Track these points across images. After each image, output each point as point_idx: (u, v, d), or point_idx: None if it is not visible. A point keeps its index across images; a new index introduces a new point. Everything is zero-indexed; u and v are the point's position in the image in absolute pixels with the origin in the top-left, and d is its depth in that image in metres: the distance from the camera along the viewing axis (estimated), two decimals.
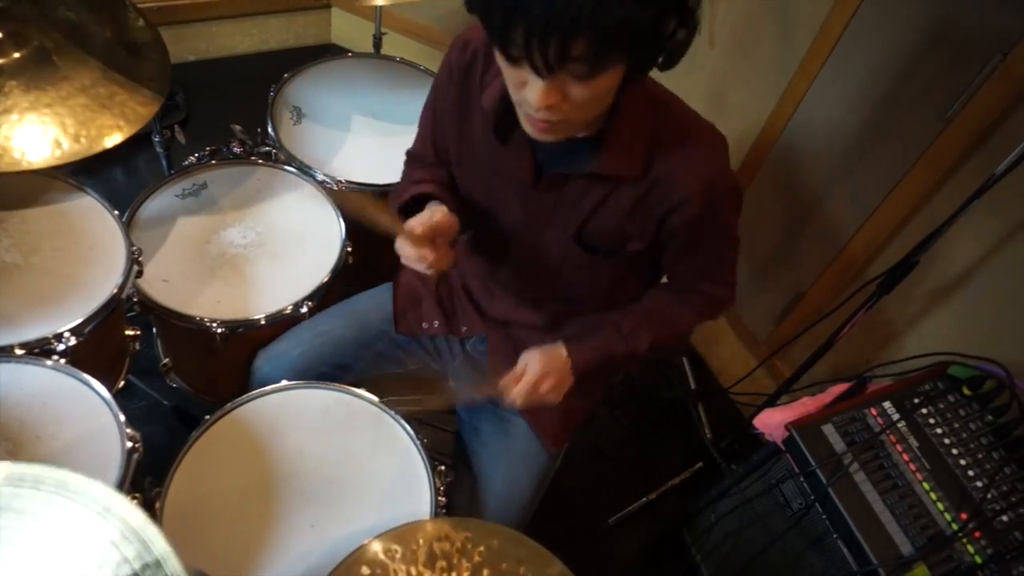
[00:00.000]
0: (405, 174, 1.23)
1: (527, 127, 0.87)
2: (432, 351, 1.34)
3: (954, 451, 1.20)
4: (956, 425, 1.24)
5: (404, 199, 1.13)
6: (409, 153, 1.24)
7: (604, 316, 1.15)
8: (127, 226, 1.31)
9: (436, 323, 1.28)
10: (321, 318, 1.32)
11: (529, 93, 0.80)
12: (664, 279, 1.19)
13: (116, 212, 1.30)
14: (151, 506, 1.01)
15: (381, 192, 1.54)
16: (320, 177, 1.53)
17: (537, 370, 1.06)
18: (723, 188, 0.97)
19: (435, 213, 1.02)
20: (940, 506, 1.14)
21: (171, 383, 1.52)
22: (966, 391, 1.27)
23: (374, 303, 1.32)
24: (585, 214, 1.01)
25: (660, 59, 0.78)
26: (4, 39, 1.18)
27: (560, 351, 1.10)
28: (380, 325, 1.29)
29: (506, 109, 0.92)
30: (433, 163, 1.19)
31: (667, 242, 1.04)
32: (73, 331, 1.12)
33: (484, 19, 0.76)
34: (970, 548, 1.11)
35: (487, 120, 0.98)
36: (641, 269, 1.13)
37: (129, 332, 1.35)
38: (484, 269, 1.24)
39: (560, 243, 1.06)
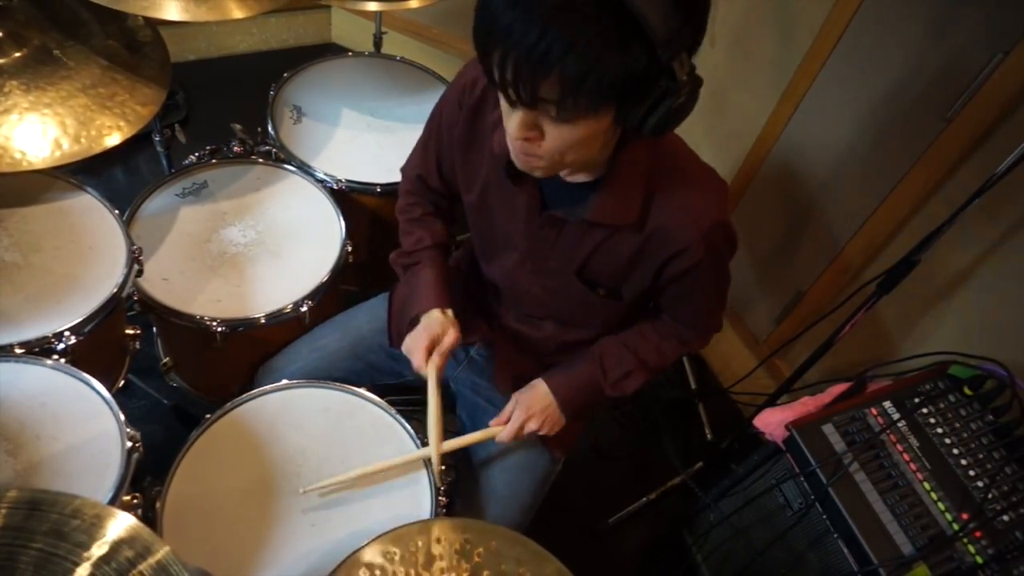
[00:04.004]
0: (403, 207, 1.24)
1: (513, 156, 0.87)
2: None
3: (955, 451, 1.20)
4: (957, 425, 1.24)
5: (404, 263, 1.22)
6: (407, 173, 1.23)
7: (593, 355, 1.15)
8: (127, 225, 1.31)
9: None
10: (317, 332, 1.32)
11: (509, 122, 0.80)
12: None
13: (116, 211, 1.30)
14: (151, 505, 1.01)
15: (381, 191, 1.54)
16: (320, 176, 1.52)
17: (521, 416, 1.12)
18: (720, 237, 0.97)
19: (448, 336, 1.11)
20: (941, 506, 1.14)
21: (171, 382, 1.52)
22: (967, 391, 1.27)
23: (369, 316, 1.32)
24: (584, 256, 1.02)
25: (648, 122, 0.75)
26: (4, 39, 1.18)
27: (546, 395, 1.14)
28: (375, 338, 1.29)
29: None
30: (436, 187, 1.19)
31: (664, 287, 1.04)
32: (73, 330, 1.12)
33: (473, 36, 0.75)
34: (971, 548, 1.11)
35: (496, 160, 0.98)
36: (640, 304, 1.13)
37: (129, 331, 1.35)
38: (488, 282, 1.24)
39: (561, 276, 1.07)
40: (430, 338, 1.10)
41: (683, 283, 1.02)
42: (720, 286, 1.09)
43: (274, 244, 1.42)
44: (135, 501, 1.00)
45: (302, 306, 1.32)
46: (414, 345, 1.12)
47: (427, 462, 1.12)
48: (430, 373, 1.10)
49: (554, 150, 0.81)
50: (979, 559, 1.09)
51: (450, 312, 1.14)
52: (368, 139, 1.66)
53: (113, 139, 1.19)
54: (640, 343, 1.15)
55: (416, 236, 1.21)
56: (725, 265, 1.05)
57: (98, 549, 0.67)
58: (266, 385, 1.18)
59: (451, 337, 1.11)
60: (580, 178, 0.94)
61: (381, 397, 1.19)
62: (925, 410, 1.25)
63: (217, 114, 1.90)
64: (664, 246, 0.96)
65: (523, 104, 0.75)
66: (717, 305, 1.13)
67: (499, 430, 1.13)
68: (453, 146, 1.08)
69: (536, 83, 0.71)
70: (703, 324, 1.15)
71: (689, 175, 0.95)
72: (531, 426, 1.12)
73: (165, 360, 1.50)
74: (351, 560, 0.89)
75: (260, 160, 1.55)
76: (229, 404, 1.14)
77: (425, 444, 1.13)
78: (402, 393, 1.35)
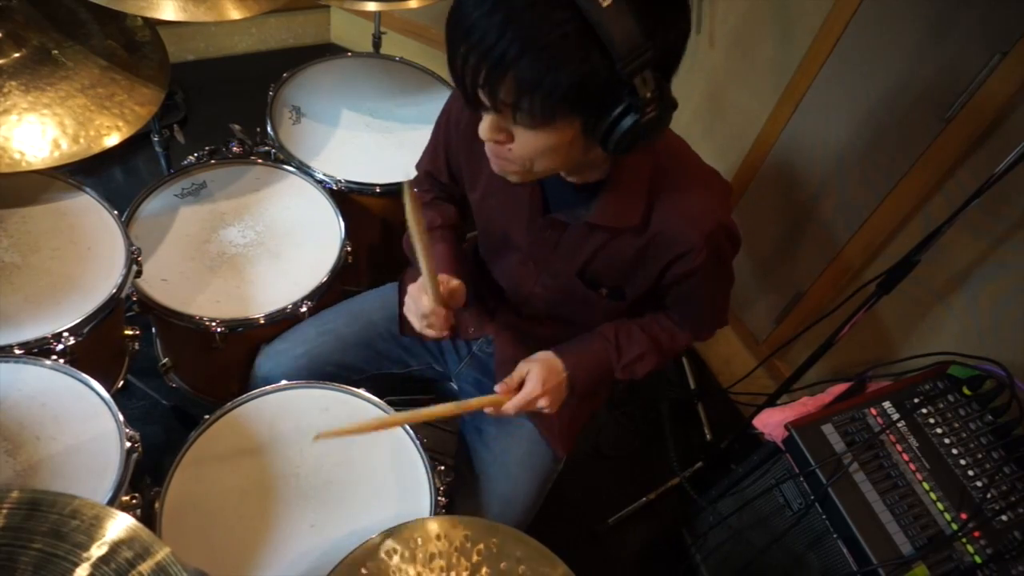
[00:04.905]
0: (421, 199, 1.24)
1: (492, 164, 0.87)
2: (436, 352, 1.33)
3: (954, 451, 1.20)
4: (956, 425, 1.24)
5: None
6: (419, 168, 1.25)
7: (607, 335, 1.13)
8: (126, 225, 1.31)
9: None
10: (325, 316, 1.31)
11: (482, 123, 0.80)
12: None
13: (115, 211, 1.30)
14: (150, 506, 1.01)
15: (381, 192, 1.54)
16: (319, 176, 1.52)
17: (536, 387, 1.04)
18: (724, 238, 0.97)
19: (451, 280, 1.03)
20: (940, 506, 1.14)
21: (170, 383, 1.52)
22: (966, 391, 1.27)
23: (379, 303, 1.31)
24: (586, 258, 1.02)
25: (612, 138, 0.74)
26: (4, 39, 1.18)
27: (559, 369, 1.08)
28: (384, 325, 1.29)
29: None
30: (446, 183, 1.20)
31: (669, 288, 1.04)
32: (72, 331, 1.12)
33: (445, 35, 0.74)
34: (970, 548, 1.11)
35: None
36: (642, 305, 1.13)
37: (128, 332, 1.35)
38: (492, 278, 1.24)
39: (562, 277, 1.07)
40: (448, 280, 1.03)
41: (687, 284, 1.02)
42: (724, 285, 1.09)
43: (273, 244, 1.42)
44: (134, 501, 1.00)
45: (301, 307, 1.32)
46: (416, 291, 1.03)
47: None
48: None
49: (523, 156, 0.81)
50: (978, 559, 1.09)
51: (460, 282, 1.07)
52: (367, 139, 1.66)
53: (112, 139, 1.19)
54: (654, 326, 1.14)
55: (427, 217, 1.19)
56: (728, 265, 1.05)
57: (97, 550, 0.67)
58: (267, 367, 1.17)
59: (457, 281, 1.03)
60: (582, 179, 0.94)
61: (382, 396, 1.19)
62: (924, 410, 1.25)
63: (216, 114, 1.91)
64: (667, 248, 0.96)
65: (484, 108, 0.75)
66: (722, 303, 1.13)
67: (504, 399, 1.05)
68: (460, 143, 1.08)
69: (493, 85, 0.71)
70: (709, 321, 1.15)
71: (692, 177, 0.95)
72: (542, 403, 1.04)
73: (164, 361, 1.50)
74: (351, 559, 0.89)
75: (259, 160, 1.55)
76: (228, 405, 1.14)
77: (425, 440, 1.14)
78: (406, 389, 1.35)
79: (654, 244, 0.96)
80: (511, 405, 1.04)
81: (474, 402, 1.05)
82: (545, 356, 1.09)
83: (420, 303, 1.01)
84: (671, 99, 0.74)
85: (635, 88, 0.70)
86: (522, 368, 1.07)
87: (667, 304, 1.12)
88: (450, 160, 1.15)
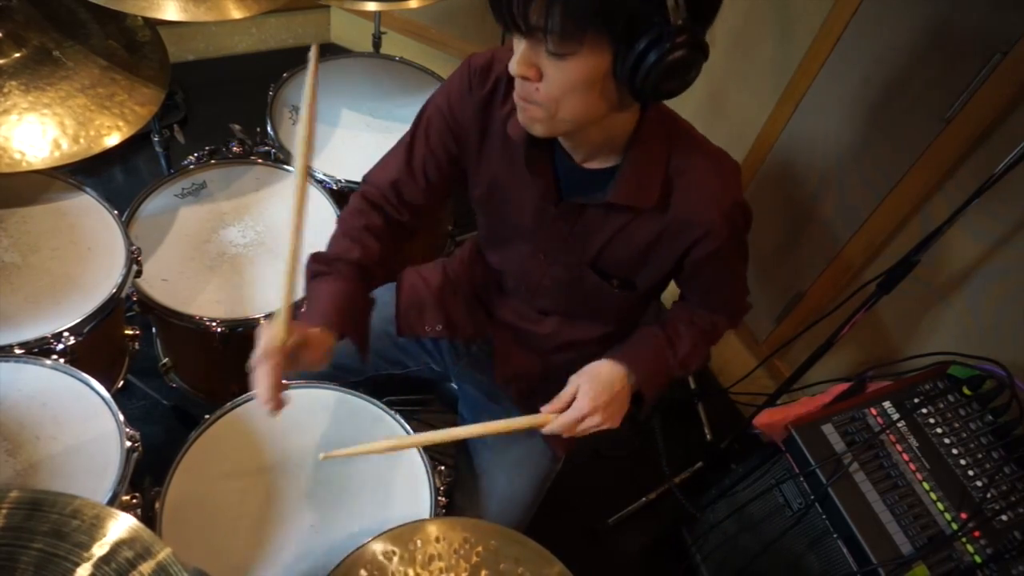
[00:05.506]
0: (348, 213, 1.10)
1: (519, 114, 0.87)
2: (434, 353, 1.33)
3: (954, 451, 1.20)
4: (956, 425, 1.24)
5: (315, 270, 1.03)
6: (375, 181, 1.09)
7: (655, 332, 1.09)
8: (126, 225, 1.31)
9: (439, 326, 1.26)
10: None
11: (512, 61, 0.80)
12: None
13: (115, 211, 1.30)
14: (151, 506, 1.01)
15: None
16: (320, 176, 1.52)
17: (585, 405, 0.97)
18: (740, 215, 0.97)
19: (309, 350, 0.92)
20: (940, 506, 1.14)
21: (170, 383, 1.52)
22: (966, 391, 1.27)
23: (376, 305, 1.31)
24: (600, 245, 1.01)
25: (641, 70, 0.73)
26: (4, 39, 1.18)
27: (613, 381, 1.00)
28: (382, 326, 1.29)
29: (533, 139, 0.92)
30: (408, 201, 1.07)
31: (692, 273, 1.03)
32: (72, 330, 1.12)
33: None
34: (970, 548, 1.11)
35: (512, 147, 0.97)
36: (648, 296, 1.13)
37: (128, 331, 1.35)
38: (493, 274, 1.23)
39: (573, 268, 1.06)
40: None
41: (710, 266, 1.00)
42: (744, 263, 1.08)
43: (273, 244, 1.42)
44: (135, 501, 1.00)
45: (302, 307, 1.32)
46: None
47: None
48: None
49: (550, 96, 0.80)
50: (978, 559, 1.09)
51: (332, 339, 0.96)
52: (367, 139, 1.66)
53: (112, 139, 1.19)
54: (694, 317, 1.11)
55: (343, 246, 1.05)
56: (745, 241, 1.04)
57: (98, 549, 0.67)
58: None
59: (317, 331, 0.93)
60: (598, 164, 0.94)
61: (381, 395, 1.19)
62: (924, 410, 1.25)
63: (216, 114, 1.91)
64: (686, 232, 0.95)
65: (518, 30, 0.75)
66: (743, 283, 1.11)
67: (547, 419, 0.98)
68: (460, 130, 1.03)
69: (526, 4, 0.71)
70: (738, 301, 1.13)
71: (705, 157, 0.95)
72: (593, 421, 0.97)
73: (164, 360, 1.50)
74: (351, 560, 0.89)
75: (259, 160, 1.55)
76: (228, 404, 1.14)
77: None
78: (404, 390, 1.35)
79: (672, 228, 0.96)
80: (558, 425, 0.97)
81: (515, 422, 0.97)
82: (596, 368, 1.01)
83: (264, 334, 0.89)
84: (703, 42, 0.73)
85: (667, 12, 0.69)
86: (572, 384, 1.00)
87: (690, 295, 1.11)
88: (428, 163, 1.06)
